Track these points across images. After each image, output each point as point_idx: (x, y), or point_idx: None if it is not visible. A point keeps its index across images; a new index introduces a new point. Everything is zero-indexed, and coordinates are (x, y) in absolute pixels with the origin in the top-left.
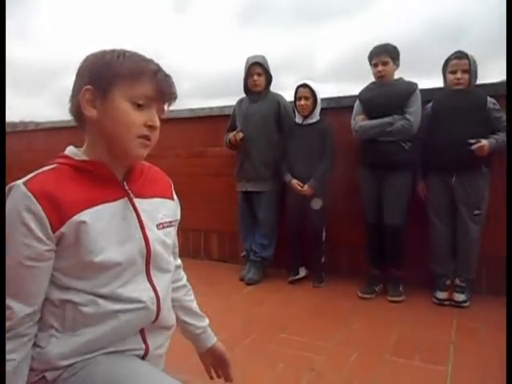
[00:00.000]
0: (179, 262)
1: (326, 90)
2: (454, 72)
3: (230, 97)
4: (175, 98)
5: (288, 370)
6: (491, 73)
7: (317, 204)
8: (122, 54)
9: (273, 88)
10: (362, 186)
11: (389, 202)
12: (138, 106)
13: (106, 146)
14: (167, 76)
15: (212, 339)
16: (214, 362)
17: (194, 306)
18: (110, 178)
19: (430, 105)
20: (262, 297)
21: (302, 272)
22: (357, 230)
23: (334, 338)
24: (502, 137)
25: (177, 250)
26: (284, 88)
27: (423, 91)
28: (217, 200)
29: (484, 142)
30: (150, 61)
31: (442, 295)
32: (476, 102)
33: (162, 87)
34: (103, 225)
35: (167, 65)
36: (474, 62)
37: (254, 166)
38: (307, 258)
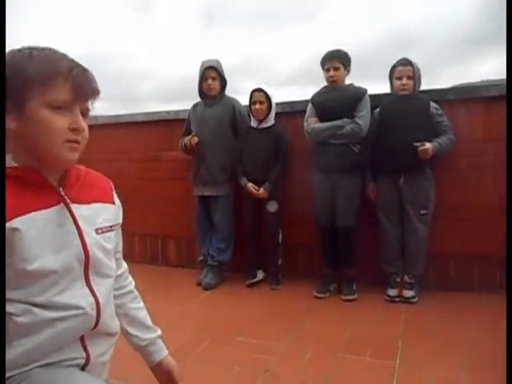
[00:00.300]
0: (124, 267)
1: (290, 92)
2: (399, 78)
3: (189, 101)
4: (98, 93)
5: (243, 372)
6: (442, 78)
7: (272, 207)
8: (28, 55)
9: (235, 91)
10: (315, 189)
11: (341, 204)
12: (59, 109)
13: (35, 153)
14: (85, 71)
15: (160, 353)
16: (163, 377)
17: (141, 315)
18: (42, 184)
19: (378, 109)
20: (219, 301)
21: (260, 275)
22: (312, 231)
23: (288, 338)
24: (443, 140)
25: (120, 254)
26: (246, 92)
27: (372, 96)
28: (173, 204)
29: (428, 145)
30: (62, 57)
31: (392, 292)
32: (420, 106)
33: (79, 85)
34: (36, 232)
35: (125, 66)
36: (418, 69)
37: (210, 171)
38: (264, 260)
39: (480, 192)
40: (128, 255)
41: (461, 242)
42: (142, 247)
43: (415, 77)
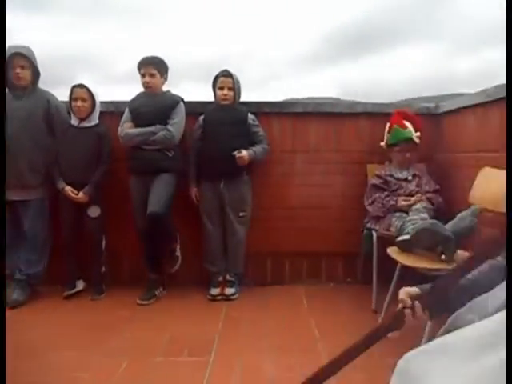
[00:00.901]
0: None
1: (132, 91)
2: (221, 88)
3: None
4: None
5: None
6: (275, 91)
7: (94, 212)
8: None
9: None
10: (132, 193)
11: (152, 195)
12: None
13: None
14: None
15: None
16: None
17: None
18: None
19: (202, 117)
20: (32, 319)
21: (80, 285)
22: (137, 235)
23: (104, 350)
24: (258, 149)
25: None
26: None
27: (197, 103)
28: None
29: (244, 152)
30: None
31: (214, 291)
32: (239, 117)
33: None
34: None
35: None
36: (238, 81)
37: (19, 172)
38: (86, 269)
39: (289, 196)
40: None
41: (275, 241)
42: None
43: (235, 88)
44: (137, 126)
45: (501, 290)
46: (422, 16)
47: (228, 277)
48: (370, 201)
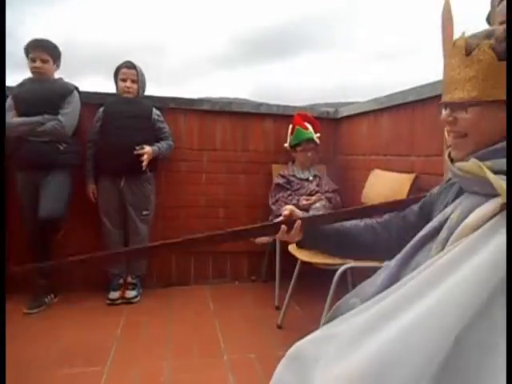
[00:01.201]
0: None
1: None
2: (124, 80)
3: None
4: None
5: None
6: (193, 88)
7: None
8: None
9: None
10: (20, 191)
11: (45, 199)
12: None
13: None
14: None
15: None
16: None
17: None
18: None
19: (102, 109)
20: None
21: None
22: (23, 239)
23: None
24: (163, 145)
25: None
26: None
27: (94, 94)
28: None
29: (147, 148)
30: None
31: (113, 295)
32: (143, 111)
33: None
34: None
35: None
36: (142, 74)
37: None
38: None
39: (195, 194)
40: None
41: None
42: None
43: (139, 81)
44: (21, 114)
45: (379, 276)
46: (335, 26)
47: (129, 279)
48: (274, 200)
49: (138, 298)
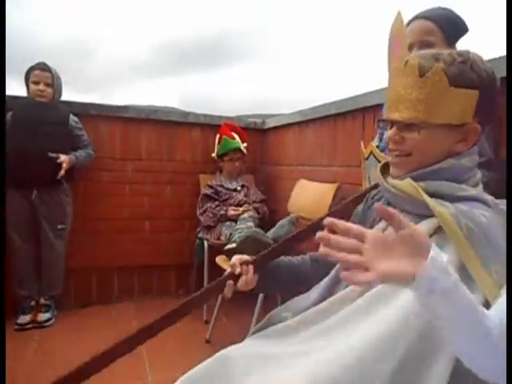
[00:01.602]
0: None
1: None
2: (36, 83)
3: None
4: None
5: None
6: (118, 96)
7: None
8: None
9: None
10: None
11: None
12: None
13: None
14: None
15: None
16: None
17: None
18: None
19: (10, 113)
20: None
21: None
22: None
23: None
24: (82, 154)
25: None
26: None
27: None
28: None
29: (63, 157)
30: None
31: (23, 319)
32: (58, 117)
33: None
34: None
35: None
36: (58, 77)
37: None
38: None
39: (118, 206)
40: None
41: (102, 255)
42: None
43: (55, 84)
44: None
45: (313, 292)
46: (268, 37)
47: (42, 300)
48: (201, 210)
49: (52, 321)
